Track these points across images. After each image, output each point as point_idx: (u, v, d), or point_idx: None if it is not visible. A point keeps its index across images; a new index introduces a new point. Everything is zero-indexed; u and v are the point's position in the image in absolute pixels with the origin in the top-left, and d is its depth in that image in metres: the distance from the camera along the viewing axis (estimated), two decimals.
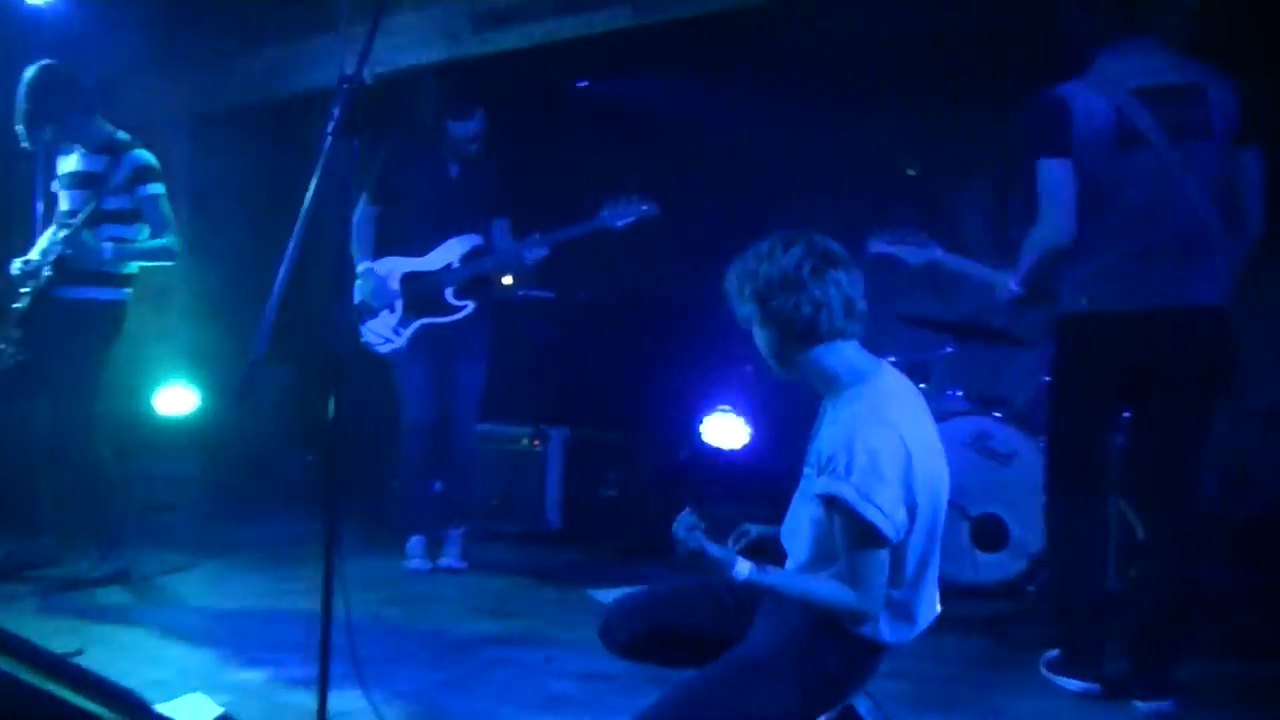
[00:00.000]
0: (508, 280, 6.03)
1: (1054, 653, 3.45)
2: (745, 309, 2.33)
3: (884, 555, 2.20)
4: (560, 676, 3.41)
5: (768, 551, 2.47)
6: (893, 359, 5.06)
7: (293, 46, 6.43)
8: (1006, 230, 5.96)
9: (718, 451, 5.51)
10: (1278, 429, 5.22)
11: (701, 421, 5.52)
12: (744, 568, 2.26)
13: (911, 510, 2.22)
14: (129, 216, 4.50)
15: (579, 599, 4.51)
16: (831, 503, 2.20)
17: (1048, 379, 3.70)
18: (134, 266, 4.55)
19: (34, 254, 4.50)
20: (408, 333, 4.95)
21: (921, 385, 5.18)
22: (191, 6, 6.15)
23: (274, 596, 4.44)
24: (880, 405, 2.26)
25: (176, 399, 6.14)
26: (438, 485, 5.26)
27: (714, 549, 2.29)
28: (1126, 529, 4.23)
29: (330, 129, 2.47)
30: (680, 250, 6.04)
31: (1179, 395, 3.26)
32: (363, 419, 6.07)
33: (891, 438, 2.19)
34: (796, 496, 2.47)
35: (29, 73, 4.35)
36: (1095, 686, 3.30)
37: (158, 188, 4.49)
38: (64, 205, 4.49)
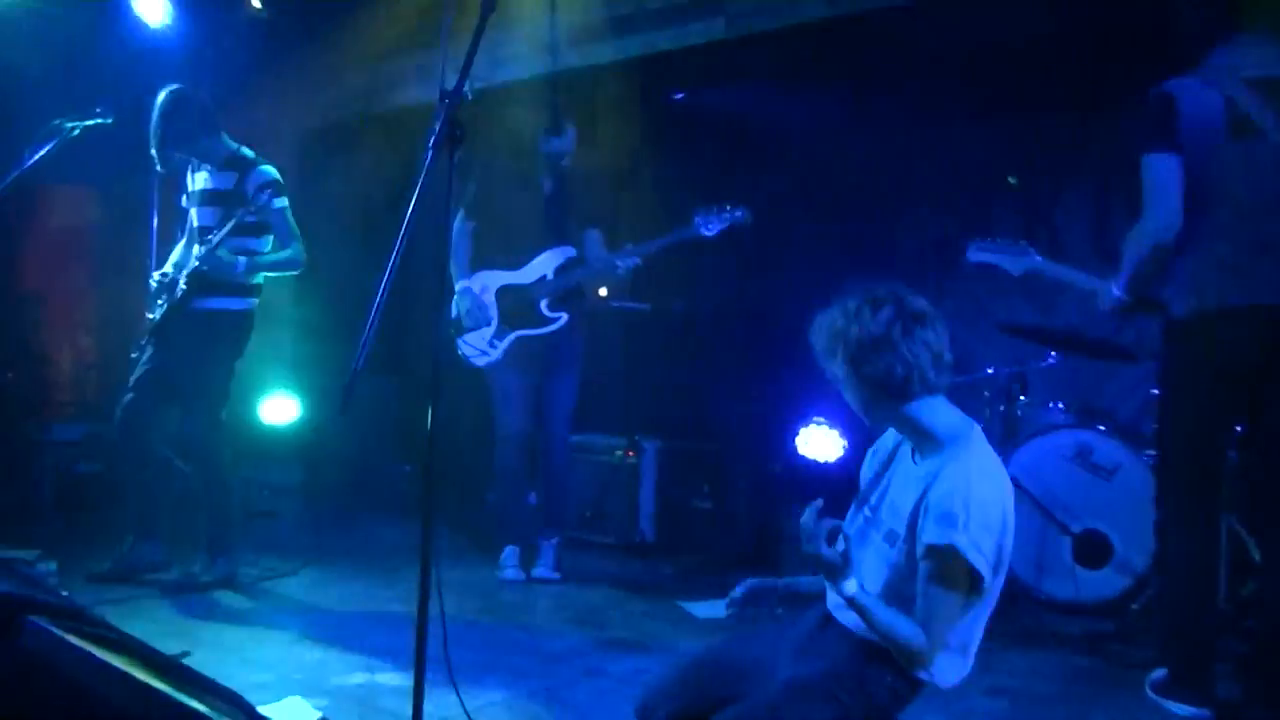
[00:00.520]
0: (603, 292, 6.06)
1: (1160, 673, 3.33)
2: (835, 369, 2.35)
3: (963, 606, 2.23)
4: None
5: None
6: (990, 370, 5.05)
7: (397, 62, 6.57)
8: (1107, 240, 5.82)
9: (812, 463, 5.46)
10: None
11: (796, 433, 5.46)
12: (852, 585, 2.26)
13: (997, 569, 2.25)
14: (257, 229, 4.67)
15: (670, 611, 4.51)
16: (942, 552, 2.19)
17: (1155, 391, 3.59)
18: (261, 277, 4.72)
19: (168, 267, 4.74)
20: (503, 345, 5.01)
21: (1021, 397, 5.08)
22: (300, 25, 6.33)
23: (372, 603, 4.52)
24: (988, 464, 2.30)
25: (280, 409, 6.30)
26: (532, 496, 5.31)
27: (830, 554, 2.27)
28: (1238, 547, 4.09)
29: (431, 143, 2.51)
30: (775, 261, 6.01)
31: None
32: (460, 430, 6.16)
33: (1000, 497, 2.26)
34: (857, 540, 2.45)
35: (160, 98, 4.58)
36: (1206, 711, 3.18)
37: (283, 200, 4.65)
38: (196, 222, 4.71)
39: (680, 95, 6.73)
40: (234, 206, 4.53)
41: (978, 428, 2.39)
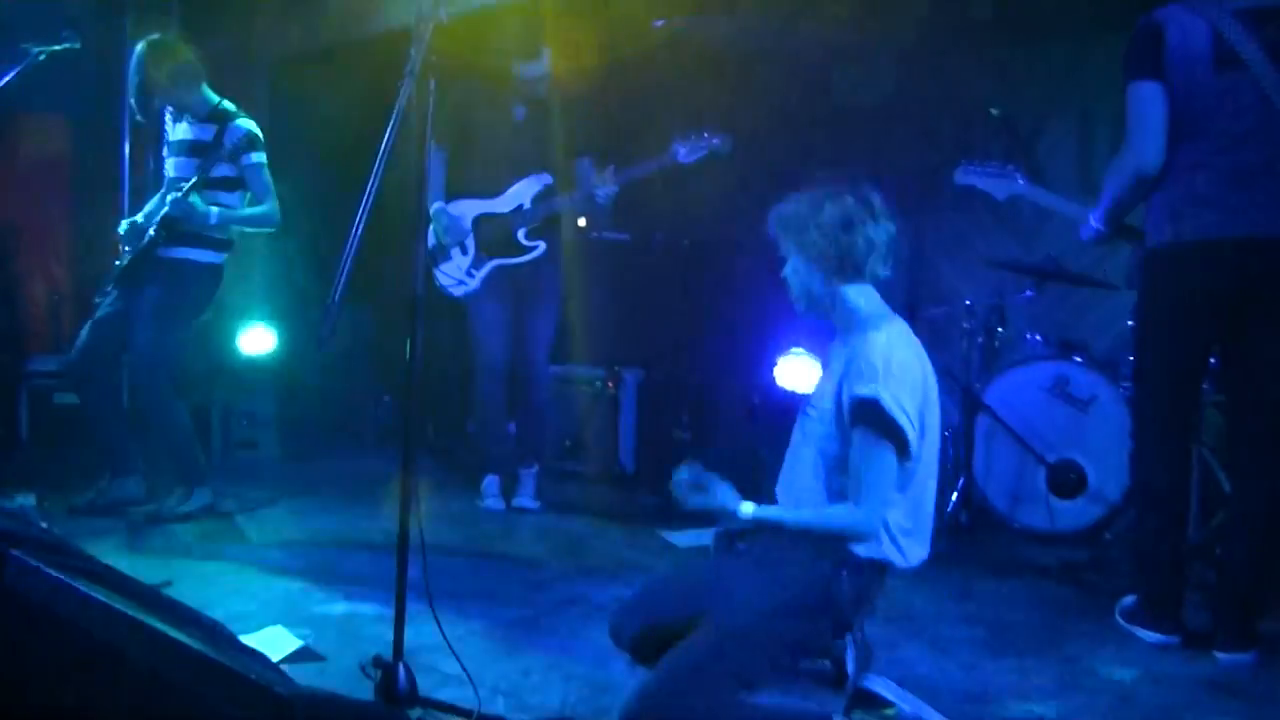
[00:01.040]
0: (582, 222, 6.01)
1: (1130, 601, 3.40)
2: (789, 247, 2.54)
3: (895, 465, 2.36)
4: None
5: None
6: (969, 302, 5.06)
7: None
8: (1091, 172, 5.81)
9: (791, 394, 5.47)
10: None
11: (774, 363, 5.47)
12: (747, 508, 2.42)
13: (924, 436, 2.40)
14: (233, 184, 4.63)
15: (650, 540, 4.55)
16: (861, 406, 2.34)
17: (1130, 323, 3.60)
18: (234, 232, 4.68)
19: (140, 216, 4.68)
20: (481, 274, 4.98)
21: (999, 329, 5.11)
22: None
23: (352, 533, 4.54)
24: (907, 335, 2.48)
25: (258, 340, 6.27)
26: (512, 426, 5.32)
27: (714, 499, 2.44)
28: (1209, 478, 4.15)
29: (408, 69, 2.47)
30: (757, 191, 5.97)
31: (1270, 333, 3.14)
32: (439, 360, 6.15)
33: (917, 360, 2.43)
34: (794, 445, 2.59)
35: (140, 47, 4.52)
36: (1174, 639, 3.24)
37: (260, 156, 4.61)
38: (171, 172, 4.67)
39: (661, 22, 6.63)
40: (212, 159, 4.50)
41: (901, 319, 2.54)
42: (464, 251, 4.98)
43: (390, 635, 2.44)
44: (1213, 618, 3.23)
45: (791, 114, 6.18)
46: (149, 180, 4.77)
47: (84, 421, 4.73)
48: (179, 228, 4.49)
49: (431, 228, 4.96)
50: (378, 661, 2.49)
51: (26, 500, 4.39)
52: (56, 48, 4.23)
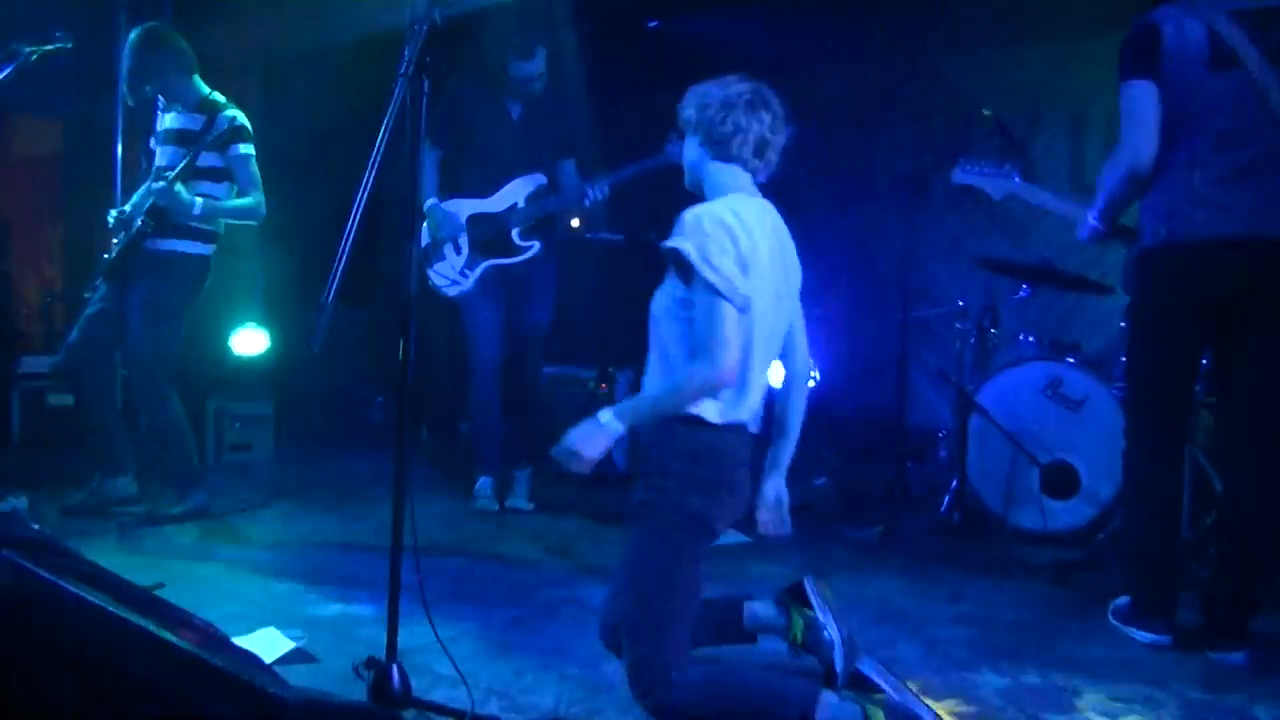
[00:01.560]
0: (576, 223, 6.01)
1: (1123, 601, 3.40)
2: (685, 113, 2.74)
3: (727, 312, 2.46)
4: None
5: None
6: (962, 303, 5.06)
7: None
8: (1084, 173, 5.82)
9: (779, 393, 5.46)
10: None
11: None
12: (605, 414, 2.52)
13: (746, 274, 2.51)
14: (219, 175, 4.62)
15: None
16: (671, 255, 2.53)
17: (1123, 324, 3.61)
18: (220, 224, 4.67)
19: (127, 206, 4.67)
20: (475, 274, 4.97)
21: (993, 330, 5.12)
22: None
23: (346, 534, 4.53)
24: (734, 202, 2.59)
25: (251, 341, 6.26)
26: (506, 427, 5.31)
27: (580, 433, 2.53)
28: (1201, 478, 4.16)
29: (401, 70, 2.47)
30: None
31: (1264, 334, 3.15)
32: (433, 361, 6.14)
33: (730, 218, 2.52)
34: (649, 346, 2.72)
35: (133, 34, 4.54)
36: (1166, 637, 3.25)
37: (248, 148, 4.60)
38: (160, 161, 4.65)
39: (655, 23, 6.65)
40: (198, 148, 4.49)
41: (766, 201, 2.72)
42: (458, 251, 4.98)
43: (383, 636, 2.43)
44: (1205, 617, 3.23)
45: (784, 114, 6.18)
46: (141, 181, 4.75)
47: (76, 421, 4.72)
48: (167, 219, 4.48)
49: (425, 226, 4.96)
50: (371, 663, 2.48)
51: (18, 501, 4.38)
52: (49, 47, 4.22)
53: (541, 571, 4.02)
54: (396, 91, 2.48)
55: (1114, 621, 3.40)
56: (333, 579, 3.74)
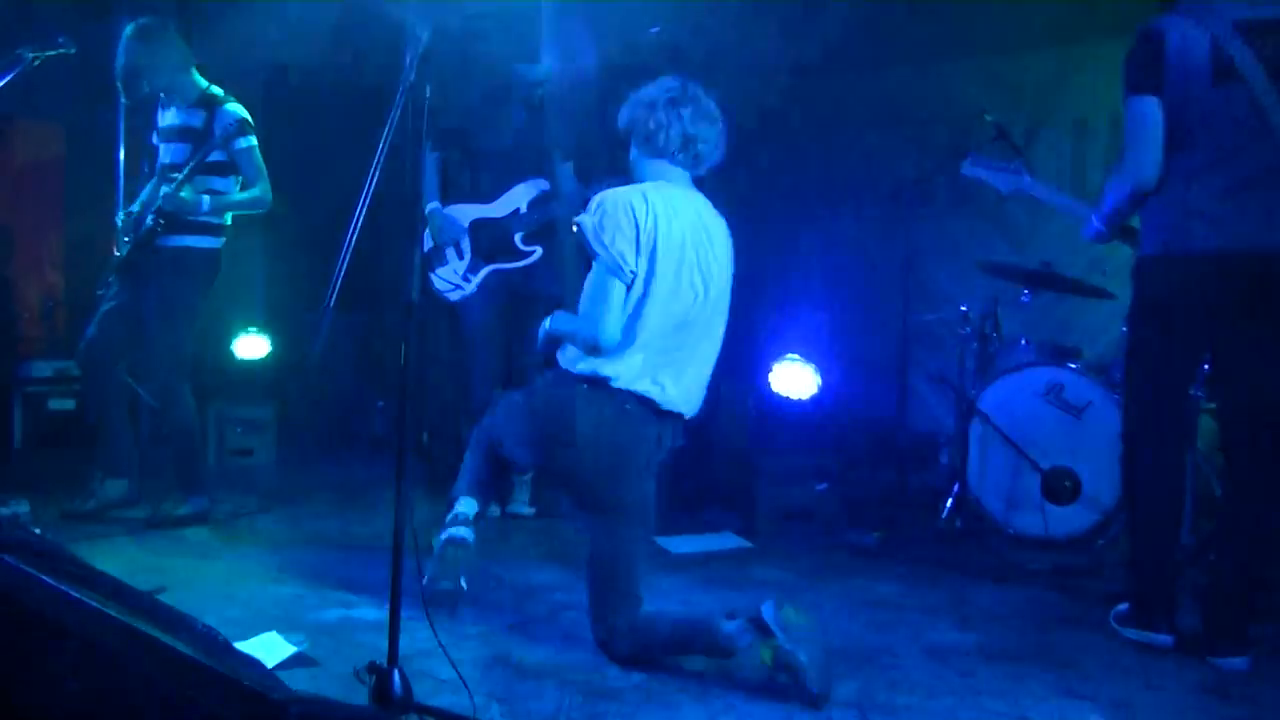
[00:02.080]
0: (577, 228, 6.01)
1: (1124, 606, 3.40)
2: (623, 119, 2.99)
3: (611, 287, 2.81)
4: None
5: None
6: (964, 308, 5.06)
7: None
8: (1086, 178, 5.82)
9: (786, 400, 5.47)
10: None
11: (770, 369, 5.46)
12: (546, 321, 3.02)
13: (651, 265, 2.81)
14: (224, 169, 4.63)
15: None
16: (576, 230, 2.82)
17: (1125, 329, 3.61)
18: (228, 217, 4.69)
19: (135, 205, 4.68)
20: (477, 279, 4.98)
21: (994, 335, 5.11)
22: None
23: (347, 539, 4.54)
24: (650, 188, 2.87)
25: (253, 345, 6.26)
26: None
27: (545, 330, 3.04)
28: (1202, 483, 4.15)
29: (404, 75, 2.48)
30: (749, 197, 5.99)
31: (1262, 344, 3.16)
32: (434, 366, 6.14)
33: (637, 201, 2.80)
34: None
35: (128, 29, 4.52)
36: (1167, 641, 3.25)
37: (251, 140, 4.61)
38: (164, 158, 4.66)
39: (656, 29, 6.64)
40: (202, 144, 4.50)
41: (697, 193, 3.00)
42: (460, 255, 4.98)
43: (385, 641, 2.43)
44: (1207, 623, 3.23)
45: (786, 120, 6.20)
46: (144, 179, 4.76)
47: (80, 423, 4.72)
48: (175, 218, 4.50)
49: (426, 230, 4.96)
50: (372, 667, 2.48)
51: (20, 505, 4.38)
52: (51, 52, 4.22)
53: (542, 576, 4.02)
54: (399, 96, 2.49)
55: (1116, 626, 3.40)
56: (334, 583, 3.74)
